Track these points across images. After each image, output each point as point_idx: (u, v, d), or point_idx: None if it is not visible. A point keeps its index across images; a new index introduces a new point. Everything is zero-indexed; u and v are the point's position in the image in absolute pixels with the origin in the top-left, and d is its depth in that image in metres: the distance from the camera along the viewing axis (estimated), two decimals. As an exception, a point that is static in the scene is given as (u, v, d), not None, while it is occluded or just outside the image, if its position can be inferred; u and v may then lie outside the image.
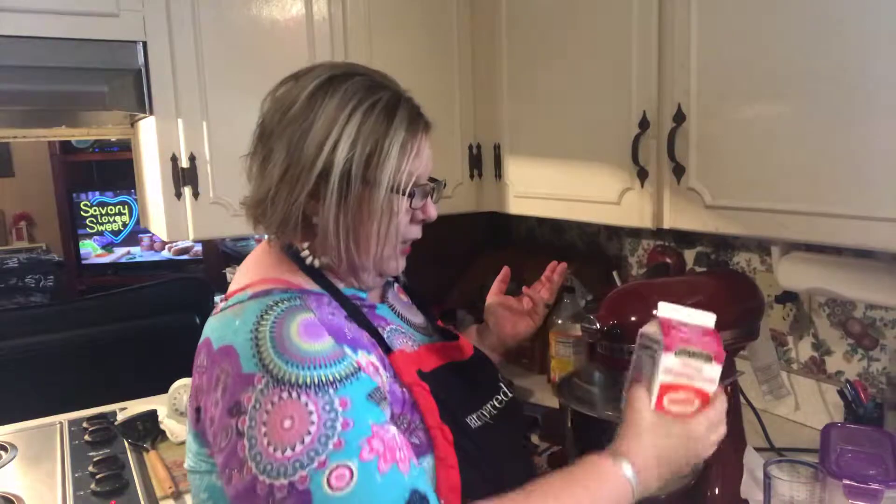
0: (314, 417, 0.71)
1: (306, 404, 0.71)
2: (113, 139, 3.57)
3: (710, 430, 0.84)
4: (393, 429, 0.76)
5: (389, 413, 0.80)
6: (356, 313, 0.86)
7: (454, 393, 0.89)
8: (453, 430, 0.83)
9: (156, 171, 1.60)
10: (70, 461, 1.48)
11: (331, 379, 0.73)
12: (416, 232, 0.92)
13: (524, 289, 1.21)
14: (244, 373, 0.73)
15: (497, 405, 0.94)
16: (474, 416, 0.89)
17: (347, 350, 0.78)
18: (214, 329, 0.80)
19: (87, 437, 1.58)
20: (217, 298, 3.34)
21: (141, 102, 1.55)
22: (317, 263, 0.87)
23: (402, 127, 0.84)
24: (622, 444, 0.82)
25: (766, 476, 1.06)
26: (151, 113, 1.55)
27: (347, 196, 0.82)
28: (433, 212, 0.92)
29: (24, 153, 4.46)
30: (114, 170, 4.34)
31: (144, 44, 1.52)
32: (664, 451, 0.82)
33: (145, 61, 1.53)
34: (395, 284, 1.06)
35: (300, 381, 0.72)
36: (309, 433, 0.70)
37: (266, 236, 0.93)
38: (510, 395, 0.98)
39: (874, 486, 1.03)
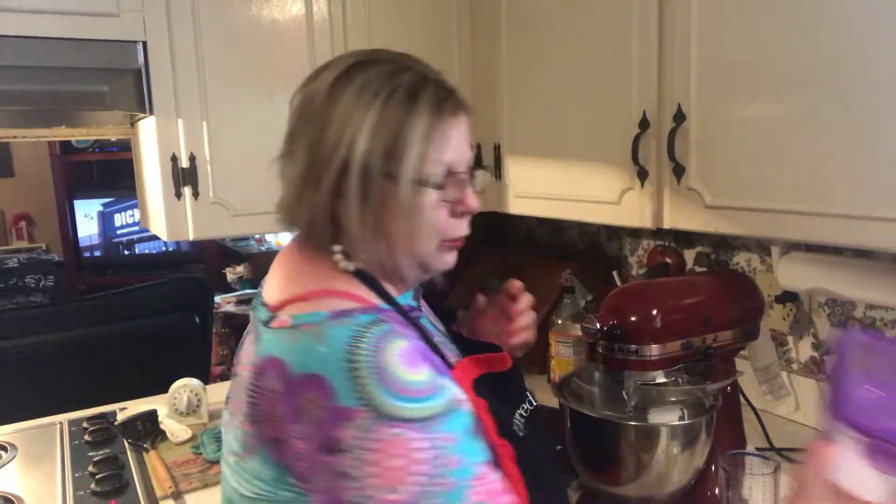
0: (422, 455, 0.66)
1: (412, 440, 0.66)
2: (113, 139, 3.57)
3: None
4: (495, 473, 0.72)
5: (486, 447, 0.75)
6: (419, 329, 0.82)
7: (498, 403, 0.83)
8: (510, 442, 0.79)
9: (156, 171, 1.60)
10: (70, 461, 1.48)
11: (436, 412, 0.69)
12: (458, 227, 0.84)
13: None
14: (341, 406, 0.67)
15: (524, 414, 0.89)
16: (515, 427, 0.85)
17: (444, 380, 0.73)
18: (287, 351, 0.72)
19: (87, 437, 1.58)
20: (217, 298, 3.32)
21: (141, 102, 1.55)
22: (351, 268, 0.81)
23: (424, 112, 0.77)
24: None
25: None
26: (151, 113, 1.55)
27: (369, 192, 0.76)
28: (473, 203, 0.83)
29: (24, 153, 4.46)
30: (114, 170, 4.34)
31: (144, 44, 1.51)
32: None
33: (145, 61, 1.52)
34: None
35: (406, 416, 0.67)
36: (420, 473, 0.66)
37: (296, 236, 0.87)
38: (535, 403, 0.92)
39: None
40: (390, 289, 0.84)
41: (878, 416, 0.70)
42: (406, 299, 0.88)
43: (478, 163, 1.87)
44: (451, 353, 0.88)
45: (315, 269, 0.82)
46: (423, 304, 0.98)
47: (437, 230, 0.81)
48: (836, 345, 0.78)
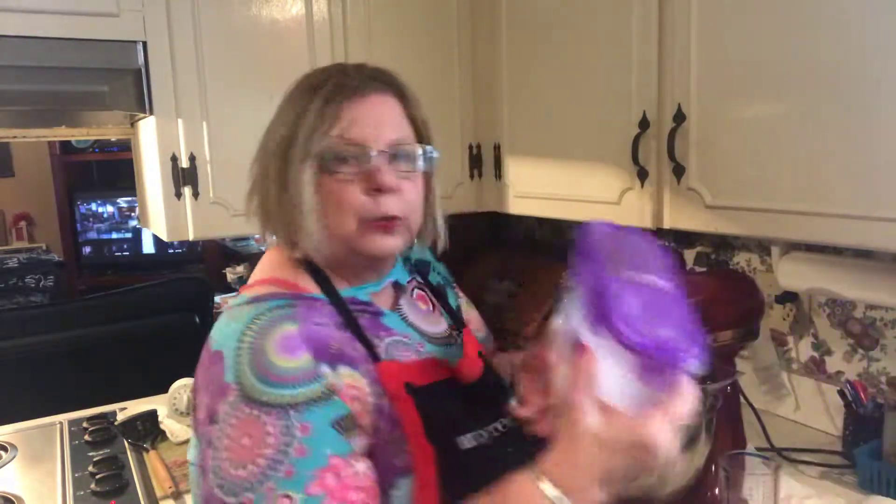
0: (271, 440, 0.69)
1: (265, 424, 0.69)
2: (113, 139, 3.57)
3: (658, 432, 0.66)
4: (359, 465, 0.72)
5: (362, 443, 0.75)
6: (350, 320, 0.82)
7: (446, 410, 0.83)
8: (438, 448, 0.79)
9: (156, 171, 1.60)
10: (70, 461, 1.48)
11: (296, 401, 0.71)
12: (376, 205, 0.81)
13: None
14: (223, 382, 0.72)
15: (500, 429, 0.86)
16: (469, 437, 0.83)
17: (325, 369, 0.74)
18: (217, 329, 0.79)
19: (87, 437, 1.58)
20: (217, 298, 3.31)
21: (141, 102, 1.55)
22: (295, 255, 0.85)
23: (320, 96, 0.82)
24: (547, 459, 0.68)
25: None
26: (151, 113, 1.55)
27: (283, 179, 0.83)
28: (383, 179, 0.80)
29: (24, 153, 4.46)
30: (114, 170, 4.34)
31: (144, 44, 1.52)
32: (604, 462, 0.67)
33: (145, 61, 1.53)
34: (416, 291, 0.98)
35: (264, 400, 0.70)
36: (263, 456, 0.69)
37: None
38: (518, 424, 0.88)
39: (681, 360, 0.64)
40: (338, 280, 0.86)
41: (636, 323, 0.64)
42: (357, 292, 0.87)
43: (476, 164, 1.87)
44: (411, 353, 0.86)
45: (274, 260, 0.89)
46: (415, 303, 0.96)
47: (347, 208, 0.81)
48: (581, 240, 0.69)
